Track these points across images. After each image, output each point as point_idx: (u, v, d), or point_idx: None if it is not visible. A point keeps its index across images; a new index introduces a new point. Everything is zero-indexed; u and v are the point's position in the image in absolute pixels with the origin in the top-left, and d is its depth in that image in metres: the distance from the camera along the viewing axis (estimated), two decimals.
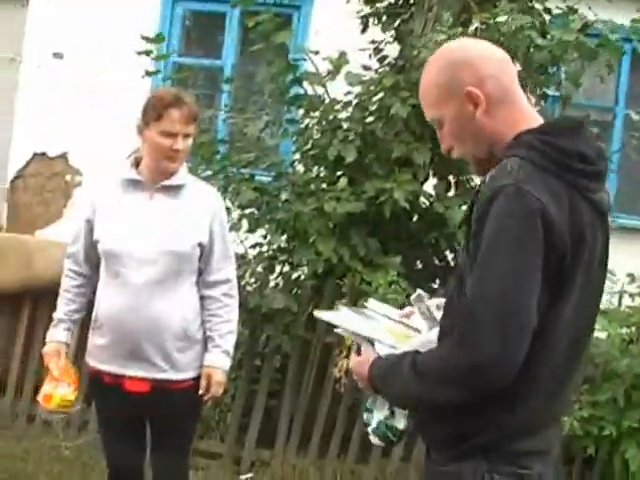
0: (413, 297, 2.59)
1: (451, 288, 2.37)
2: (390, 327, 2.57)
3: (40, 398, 3.83)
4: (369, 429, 2.56)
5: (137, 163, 3.76)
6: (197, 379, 3.77)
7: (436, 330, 2.36)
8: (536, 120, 2.31)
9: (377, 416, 2.54)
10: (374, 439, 2.56)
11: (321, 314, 2.80)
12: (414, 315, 2.58)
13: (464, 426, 2.25)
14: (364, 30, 6.20)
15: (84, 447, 5.72)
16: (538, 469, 2.27)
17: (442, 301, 2.46)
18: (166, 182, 3.68)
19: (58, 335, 3.87)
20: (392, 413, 2.50)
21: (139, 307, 3.61)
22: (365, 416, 2.60)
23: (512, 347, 2.09)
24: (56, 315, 3.92)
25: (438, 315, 2.44)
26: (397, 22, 5.88)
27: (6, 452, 5.61)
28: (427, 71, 2.37)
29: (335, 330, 2.63)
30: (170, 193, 3.70)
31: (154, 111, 3.59)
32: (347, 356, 4.88)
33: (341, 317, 2.68)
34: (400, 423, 2.50)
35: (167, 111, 3.55)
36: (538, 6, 5.66)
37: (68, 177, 9.84)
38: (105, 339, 3.72)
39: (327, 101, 5.80)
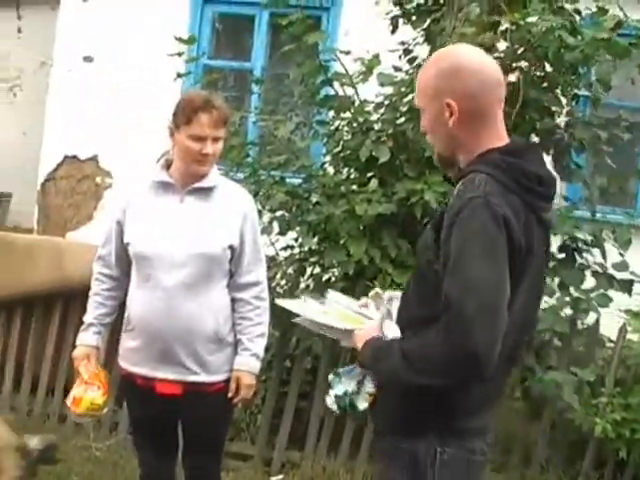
0: (371, 294, 2.88)
1: (411, 282, 2.70)
2: (346, 315, 2.82)
3: (69, 401, 3.83)
4: (331, 392, 2.80)
5: (168, 165, 3.76)
6: (228, 381, 3.77)
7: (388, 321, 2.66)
8: (502, 139, 2.57)
9: (345, 385, 2.77)
10: (333, 405, 2.80)
11: (283, 302, 3.04)
12: (371, 305, 2.85)
13: (422, 408, 2.51)
14: (394, 31, 6.18)
15: (115, 448, 5.75)
16: (479, 445, 2.59)
17: (394, 294, 2.81)
18: (197, 184, 3.68)
19: (88, 339, 3.88)
20: (358, 391, 2.73)
21: (170, 310, 3.61)
22: (331, 377, 2.84)
23: (494, 339, 2.31)
24: (86, 319, 3.93)
25: (391, 306, 2.74)
26: (427, 22, 5.85)
27: None
28: (427, 66, 2.64)
29: (294, 320, 2.93)
30: (201, 195, 3.69)
31: (184, 115, 3.59)
32: None
33: (302, 306, 2.93)
34: (361, 404, 2.74)
35: (196, 115, 3.55)
36: (568, 6, 5.62)
37: (98, 179, 9.89)
38: (137, 342, 3.73)
39: (357, 102, 5.78)
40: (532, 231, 2.46)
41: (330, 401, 2.84)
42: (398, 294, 2.81)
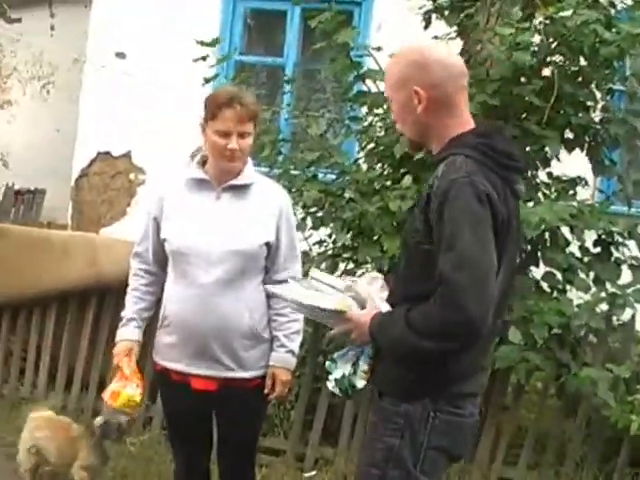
0: (347, 284, 3.01)
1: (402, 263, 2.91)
2: (331, 298, 2.95)
3: (106, 395, 3.83)
4: (331, 378, 2.99)
5: (204, 162, 3.77)
6: (263, 378, 3.77)
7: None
8: (469, 124, 2.81)
9: (341, 369, 2.96)
10: (334, 389, 2.99)
11: (272, 288, 3.29)
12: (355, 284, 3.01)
13: (421, 374, 2.71)
14: (427, 26, 6.14)
15: (148, 443, 5.75)
16: (469, 409, 2.81)
17: (375, 275, 3.10)
18: (233, 181, 3.68)
19: (129, 333, 3.87)
20: (355, 372, 2.93)
21: (207, 306, 3.61)
22: (328, 364, 3.03)
23: (486, 306, 2.55)
24: (126, 314, 3.92)
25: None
26: (461, 17, 5.82)
27: None
28: (395, 59, 2.89)
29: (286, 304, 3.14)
30: (237, 193, 3.69)
31: (209, 110, 3.61)
32: None
33: (290, 291, 3.09)
34: (359, 383, 2.93)
35: (221, 111, 3.56)
36: (603, 0, 5.56)
37: (132, 176, 9.95)
38: (172, 337, 3.74)
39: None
40: (509, 203, 2.72)
41: (331, 386, 3.01)
42: (379, 275, 3.09)
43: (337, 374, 2.98)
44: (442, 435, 2.75)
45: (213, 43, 6.22)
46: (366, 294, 2.93)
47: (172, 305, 3.73)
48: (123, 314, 3.94)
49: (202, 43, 6.18)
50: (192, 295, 3.63)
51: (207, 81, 6.38)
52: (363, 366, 2.93)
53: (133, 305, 3.92)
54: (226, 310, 3.62)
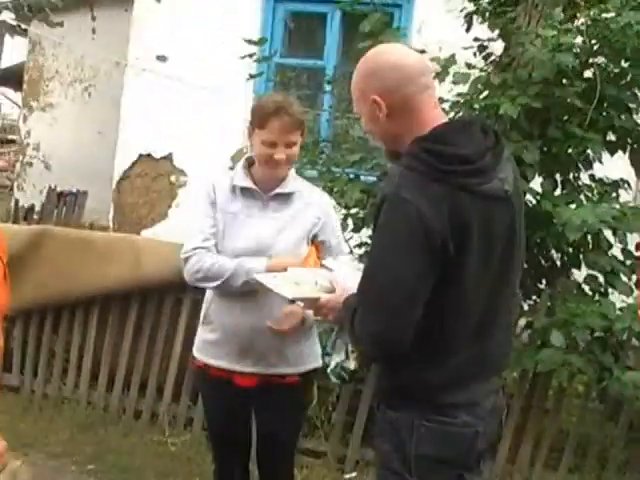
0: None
1: None
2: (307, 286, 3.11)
3: None
4: (328, 370, 3.08)
5: (249, 164, 3.79)
6: (305, 374, 3.79)
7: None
8: (434, 123, 2.69)
9: (335, 359, 3.04)
10: (332, 378, 3.08)
11: (259, 276, 3.36)
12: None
13: (402, 381, 2.73)
14: (469, 29, 6.13)
15: (189, 443, 5.80)
16: (463, 419, 2.72)
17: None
18: (278, 190, 3.71)
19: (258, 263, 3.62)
20: (347, 357, 3.00)
21: (254, 306, 3.63)
22: (326, 359, 3.11)
23: (393, 328, 2.57)
24: (230, 266, 3.64)
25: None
26: (503, 19, 5.79)
27: (114, 447, 5.74)
28: (355, 72, 2.80)
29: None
30: (282, 200, 3.72)
31: (256, 119, 3.63)
32: None
33: (274, 281, 3.23)
34: (351, 365, 3.01)
35: (268, 121, 3.57)
36: None
37: (173, 178, 10.00)
38: (216, 335, 3.76)
39: None
40: (466, 210, 2.57)
41: (332, 378, 3.10)
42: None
43: (333, 365, 3.06)
44: (431, 444, 2.71)
45: (260, 42, 6.25)
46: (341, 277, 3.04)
47: (217, 303, 3.75)
48: (234, 269, 3.63)
49: (249, 41, 6.20)
50: (238, 296, 3.64)
51: (252, 76, 6.41)
52: (352, 348, 3.00)
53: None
54: (272, 309, 3.62)
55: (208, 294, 3.83)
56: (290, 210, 3.72)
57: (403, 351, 2.60)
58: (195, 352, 3.90)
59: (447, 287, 2.61)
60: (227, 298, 3.70)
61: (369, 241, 5.84)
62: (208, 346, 3.81)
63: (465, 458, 2.79)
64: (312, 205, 3.78)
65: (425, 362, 2.69)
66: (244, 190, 3.72)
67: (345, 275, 3.04)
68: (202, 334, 3.86)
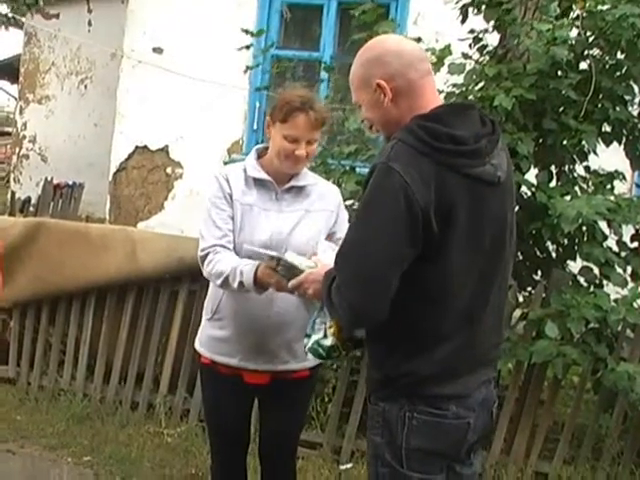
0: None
1: None
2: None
3: None
4: (306, 349, 3.10)
5: (258, 156, 3.73)
6: (313, 369, 3.79)
7: None
8: (433, 106, 2.73)
9: (313, 338, 3.06)
10: (309, 356, 3.11)
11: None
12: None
13: (390, 372, 2.75)
14: (464, 20, 6.12)
15: (186, 435, 5.79)
16: (454, 410, 2.73)
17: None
18: (293, 183, 3.66)
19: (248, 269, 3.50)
20: (325, 336, 3.01)
21: (266, 302, 3.57)
22: (304, 341, 3.11)
23: (367, 299, 2.60)
24: (227, 268, 3.54)
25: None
26: (498, 10, 5.79)
27: (111, 438, 5.74)
28: (354, 62, 2.85)
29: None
30: (296, 193, 3.69)
31: (281, 112, 3.54)
32: None
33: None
34: (327, 341, 3.01)
35: (293, 116, 3.50)
36: None
37: (169, 170, 10.01)
38: (225, 332, 3.69)
39: None
40: (453, 190, 2.60)
41: (309, 355, 3.13)
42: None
43: (310, 344, 3.09)
44: (422, 436, 2.73)
45: (259, 33, 6.24)
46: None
47: (228, 299, 3.66)
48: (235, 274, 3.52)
49: (247, 32, 6.19)
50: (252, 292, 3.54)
51: (249, 68, 6.41)
52: (328, 323, 3.01)
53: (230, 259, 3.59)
54: (286, 305, 3.58)
55: (214, 288, 3.74)
56: (304, 204, 3.68)
57: (378, 320, 2.63)
58: (200, 348, 3.82)
59: (431, 267, 2.63)
60: (239, 294, 3.59)
61: None
62: (217, 343, 3.73)
63: (456, 450, 2.81)
64: (325, 198, 3.75)
65: (414, 352, 2.71)
66: (257, 181, 3.65)
67: (329, 254, 3.09)
68: (209, 330, 3.77)
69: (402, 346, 2.71)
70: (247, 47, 6.21)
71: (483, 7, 5.77)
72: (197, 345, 3.85)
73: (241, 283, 3.45)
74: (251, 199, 3.63)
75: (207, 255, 3.59)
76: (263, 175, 3.65)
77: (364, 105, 2.83)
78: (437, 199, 2.56)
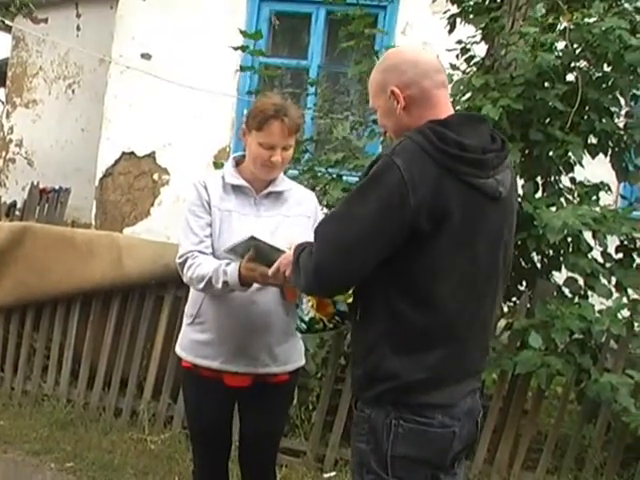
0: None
1: None
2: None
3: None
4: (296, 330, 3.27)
5: (237, 163, 3.78)
6: (293, 372, 3.81)
7: None
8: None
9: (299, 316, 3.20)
10: (299, 335, 3.34)
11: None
12: None
13: (374, 377, 2.77)
14: (451, 30, 6.16)
15: (169, 441, 5.79)
16: (440, 419, 2.76)
17: None
18: (270, 189, 3.71)
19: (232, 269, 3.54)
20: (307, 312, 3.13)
21: (247, 305, 3.59)
22: (298, 323, 3.23)
23: (336, 263, 2.65)
24: (206, 271, 3.57)
25: None
26: (485, 21, 5.82)
27: (94, 444, 5.73)
28: (373, 71, 2.92)
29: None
30: (274, 199, 3.73)
31: (255, 121, 3.59)
32: None
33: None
34: (305, 316, 3.15)
35: (267, 123, 3.55)
36: (628, 6, 5.56)
37: (155, 176, 10.00)
38: (207, 335, 3.70)
39: None
40: (450, 194, 2.65)
41: (299, 334, 3.37)
42: None
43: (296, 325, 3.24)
44: (408, 444, 2.75)
45: (256, 36, 6.23)
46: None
47: (209, 303, 3.68)
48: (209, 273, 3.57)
49: (244, 33, 6.19)
50: (232, 295, 3.59)
51: (242, 69, 6.41)
52: (307, 298, 3.12)
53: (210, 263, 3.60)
54: (266, 308, 3.61)
55: (194, 293, 3.77)
56: (282, 209, 3.72)
57: (335, 288, 2.77)
58: (181, 352, 3.83)
59: (418, 266, 2.68)
60: (220, 298, 3.63)
61: None
62: (198, 346, 3.74)
63: (441, 458, 2.82)
64: (303, 204, 3.79)
65: (399, 352, 2.73)
66: (236, 188, 3.70)
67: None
68: (190, 334, 3.78)
69: (386, 344, 2.74)
70: (242, 49, 6.19)
71: (471, 15, 5.80)
72: (178, 349, 3.86)
73: (225, 283, 3.49)
74: (230, 205, 3.68)
75: (186, 261, 3.63)
76: (241, 182, 3.70)
77: (379, 111, 2.90)
78: (432, 200, 2.61)
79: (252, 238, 3.35)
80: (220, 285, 3.51)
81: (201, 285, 3.58)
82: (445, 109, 2.82)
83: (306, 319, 3.14)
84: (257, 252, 3.36)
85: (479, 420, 2.98)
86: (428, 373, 2.74)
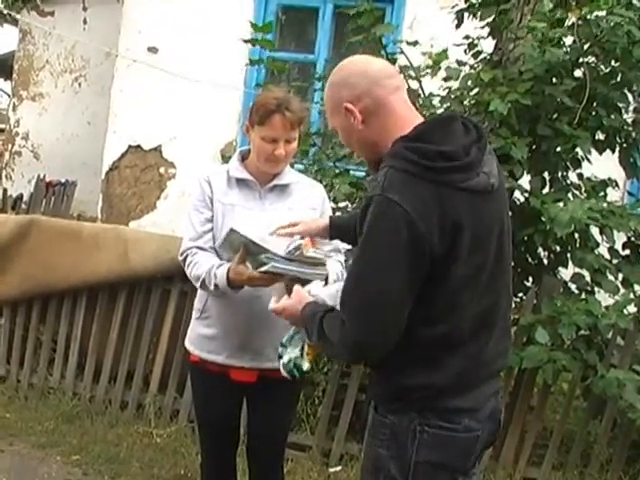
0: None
1: None
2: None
3: None
4: (280, 362, 3.11)
5: (243, 157, 3.78)
6: None
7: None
8: (411, 124, 2.66)
9: (289, 353, 3.08)
10: (283, 372, 3.11)
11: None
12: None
13: (400, 387, 2.69)
14: (459, 25, 6.14)
15: (175, 435, 5.79)
16: (466, 423, 2.69)
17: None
18: (275, 182, 3.71)
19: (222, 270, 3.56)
20: (302, 355, 3.04)
21: (252, 300, 3.59)
22: (280, 350, 3.13)
23: (375, 331, 2.55)
24: (201, 271, 3.61)
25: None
26: (493, 15, 5.80)
27: (99, 437, 5.73)
28: (325, 90, 2.83)
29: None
30: (279, 192, 3.73)
31: (257, 115, 3.59)
32: None
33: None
34: (305, 365, 3.06)
35: (269, 117, 3.54)
36: (636, 2, 5.54)
37: (162, 170, 10.00)
38: (212, 330, 3.73)
39: (422, 96, 5.76)
40: (452, 206, 2.54)
41: (283, 372, 3.12)
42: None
43: (285, 359, 3.09)
44: (432, 450, 2.68)
45: (266, 28, 6.21)
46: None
47: (214, 298, 3.70)
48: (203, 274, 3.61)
49: (255, 26, 6.18)
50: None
51: (252, 63, 6.39)
52: (305, 348, 3.04)
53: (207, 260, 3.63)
54: (269, 302, 3.60)
55: None
56: (287, 202, 3.72)
57: (385, 352, 2.60)
58: (189, 346, 3.86)
59: (439, 284, 2.58)
60: (225, 293, 3.61)
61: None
62: (204, 341, 3.77)
63: (464, 463, 2.77)
64: (309, 197, 3.79)
65: (424, 369, 2.66)
66: (240, 182, 3.70)
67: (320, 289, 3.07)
68: (198, 328, 3.82)
69: (415, 360, 2.66)
70: (252, 42, 6.18)
71: (478, 9, 5.78)
72: (187, 343, 3.89)
73: (216, 285, 3.52)
74: (233, 199, 3.68)
75: (186, 258, 3.67)
76: (245, 175, 3.70)
77: (340, 131, 2.81)
78: (439, 219, 2.51)
79: (232, 231, 3.37)
80: (212, 287, 3.55)
81: (198, 284, 3.64)
82: (405, 114, 2.71)
83: (303, 369, 3.07)
84: (245, 247, 3.36)
85: (501, 419, 2.92)
86: (454, 378, 2.67)
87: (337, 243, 3.47)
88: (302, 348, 3.06)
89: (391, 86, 2.72)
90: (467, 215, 2.58)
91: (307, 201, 3.76)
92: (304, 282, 3.31)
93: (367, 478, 2.86)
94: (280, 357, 3.13)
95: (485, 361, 2.77)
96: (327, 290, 3.00)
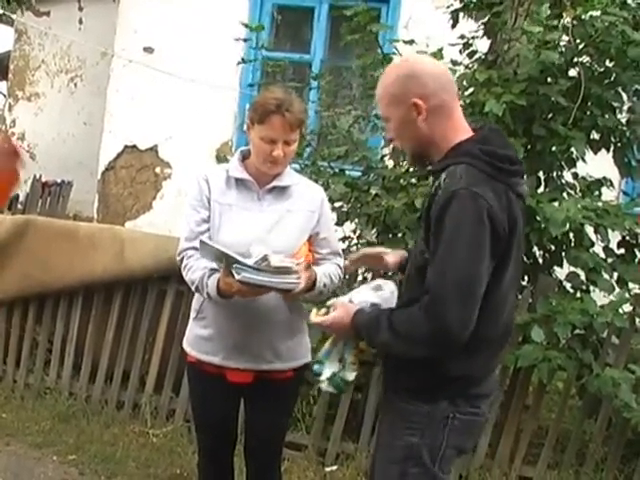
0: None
1: (410, 267, 3.02)
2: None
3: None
4: (322, 378, 3.10)
5: (243, 157, 3.76)
6: (298, 369, 3.79)
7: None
8: (467, 131, 2.88)
9: (330, 368, 3.07)
10: (328, 388, 3.11)
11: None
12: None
13: (442, 377, 2.82)
14: (454, 25, 6.15)
15: (171, 435, 5.79)
16: (483, 409, 2.94)
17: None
18: (274, 183, 3.67)
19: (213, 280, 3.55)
20: (343, 367, 3.05)
21: (247, 303, 3.56)
22: (316, 367, 3.13)
23: (466, 319, 2.65)
24: (195, 277, 3.61)
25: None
26: (488, 16, 5.82)
27: (96, 437, 5.74)
28: (387, 75, 2.94)
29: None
30: (278, 193, 3.69)
31: (257, 114, 3.56)
32: None
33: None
34: (350, 376, 3.07)
35: (269, 117, 3.51)
36: (630, 2, 5.55)
37: (158, 170, 10.00)
38: (208, 331, 3.72)
39: None
40: (514, 208, 2.76)
41: (324, 386, 3.13)
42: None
43: (327, 374, 3.09)
44: (460, 434, 2.87)
45: (258, 28, 6.23)
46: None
47: (211, 300, 3.66)
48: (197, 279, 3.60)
49: (246, 26, 6.19)
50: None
51: (245, 61, 6.41)
52: (349, 358, 3.06)
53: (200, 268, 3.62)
54: (266, 304, 3.58)
55: None
56: (286, 204, 3.69)
57: (463, 344, 2.69)
58: (187, 346, 3.86)
59: (499, 280, 2.75)
60: None
61: (353, 235, 5.88)
62: (201, 341, 3.76)
63: (472, 444, 3.06)
64: (307, 198, 3.75)
65: (470, 356, 2.80)
66: (239, 182, 3.68)
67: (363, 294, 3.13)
68: (194, 329, 3.81)
69: (460, 352, 2.74)
70: (244, 40, 6.19)
71: (473, 10, 5.80)
72: (184, 344, 3.88)
73: (208, 294, 3.54)
74: (231, 199, 3.66)
75: (182, 260, 3.67)
76: (244, 175, 3.68)
77: (394, 121, 2.91)
78: (507, 217, 2.70)
79: (202, 242, 3.39)
80: (205, 295, 3.57)
81: (193, 288, 3.64)
82: (460, 120, 2.89)
83: (349, 380, 3.10)
84: (225, 258, 3.34)
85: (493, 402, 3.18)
86: (484, 367, 2.91)
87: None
88: (341, 360, 3.07)
89: (454, 92, 2.92)
90: (519, 217, 2.79)
91: (306, 203, 3.73)
92: (279, 291, 3.38)
93: (389, 469, 2.92)
94: (318, 374, 3.12)
95: (503, 352, 3.05)
96: (380, 294, 3.10)
